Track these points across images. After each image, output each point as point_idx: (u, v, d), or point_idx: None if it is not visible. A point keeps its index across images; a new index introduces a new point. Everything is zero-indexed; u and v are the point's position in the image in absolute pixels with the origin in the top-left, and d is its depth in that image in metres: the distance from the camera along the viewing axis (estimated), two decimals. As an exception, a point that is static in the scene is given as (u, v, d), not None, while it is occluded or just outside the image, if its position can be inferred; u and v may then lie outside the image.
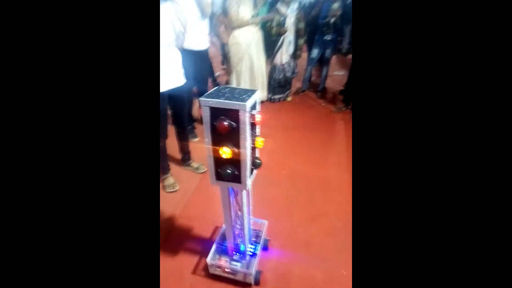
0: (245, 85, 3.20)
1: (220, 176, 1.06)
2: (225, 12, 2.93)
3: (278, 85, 3.49)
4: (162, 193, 1.98)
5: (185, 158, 2.24)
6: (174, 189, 2.00)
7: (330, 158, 2.50)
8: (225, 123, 0.92)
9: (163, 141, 1.89)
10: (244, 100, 0.92)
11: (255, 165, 1.09)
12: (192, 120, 2.66)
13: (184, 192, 2.01)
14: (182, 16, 2.16)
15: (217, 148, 0.98)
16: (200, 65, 2.43)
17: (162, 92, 1.69)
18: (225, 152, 0.96)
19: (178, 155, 2.26)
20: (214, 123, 0.95)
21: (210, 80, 3.76)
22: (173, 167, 2.18)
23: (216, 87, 1.04)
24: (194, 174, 2.20)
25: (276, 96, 3.56)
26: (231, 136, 0.96)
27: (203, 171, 2.20)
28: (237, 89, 1.03)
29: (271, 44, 3.29)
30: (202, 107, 0.93)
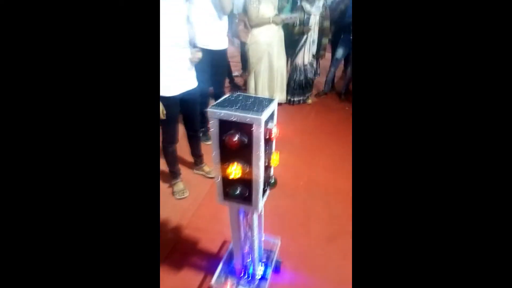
0: (263, 86, 3.05)
1: (228, 196, 0.92)
2: (245, 10, 2.79)
3: (298, 86, 3.30)
4: (171, 200, 1.89)
5: (198, 162, 2.14)
6: (183, 196, 1.90)
7: (350, 167, 2.30)
8: (235, 138, 0.78)
9: (172, 146, 1.80)
10: (258, 111, 0.78)
11: (269, 184, 0.95)
12: (206, 121, 2.55)
13: (194, 199, 1.90)
14: (195, 14, 2.07)
15: (226, 166, 0.84)
16: (217, 65, 2.32)
17: (174, 97, 1.60)
18: (234, 171, 0.82)
19: (190, 159, 2.16)
20: (223, 138, 0.81)
21: (227, 81, 3.66)
22: (184, 172, 2.08)
23: (227, 95, 0.91)
24: (205, 179, 2.09)
25: (296, 98, 3.38)
26: (242, 152, 0.82)
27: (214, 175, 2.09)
28: (251, 97, 0.89)
29: (293, 43, 3.11)
30: (209, 118, 0.80)
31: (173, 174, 1.94)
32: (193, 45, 2.19)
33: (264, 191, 0.95)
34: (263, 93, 3.08)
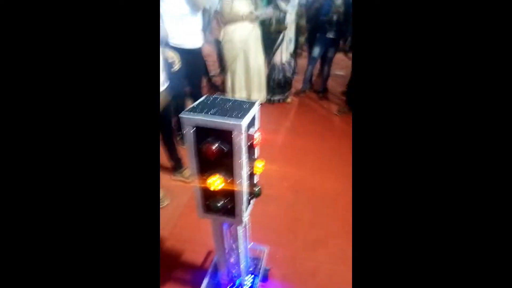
0: (240, 86, 2.97)
1: (209, 209, 0.85)
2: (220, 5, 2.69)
3: (277, 85, 3.26)
4: (149, 210, 1.76)
5: (177, 166, 2.03)
6: (163, 205, 1.79)
7: (335, 167, 2.28)
8: (214, 147, 0.71)
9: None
10: (238, 116, 0.71)
11: (254, 194, 0.88)
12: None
13: (174, 207, 1.79)
14: (166, 10, 1.94)
15: (205, 178, 0.76)
16: (193, 65, 2.21)
17: None
18: (214, 183, 0.75)
19: (167, 165, 2.04)
20: (200, 146, 0.73)
21: (205, 81, 3.54)
22: (163, 179, 1.96)
23: (203, 97, 0.83)
24: (185, 186, 1.98)
25: (276, 97, 3.34)
26: (223, 161, 0.75)
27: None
28: (230, 100, 0.82)
29: (270, 42, 3.06)
30: (184, 125, 0.72)
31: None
32: (165, 44, 2.07)
33: (248, 201, 0.88)
34: (240, 93, 3.00)
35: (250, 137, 0.76)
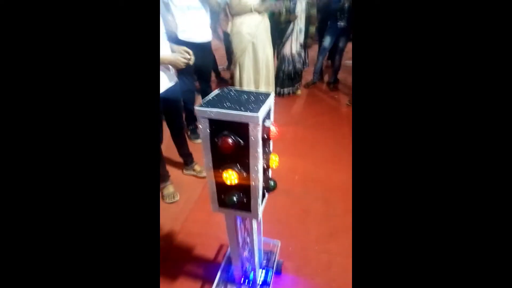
0: (248, 79, 2.92)
1: (224, 203, 0.83)
2: (228, -1, 2.64)
3: (287, 77, 3.21)
4: (162, 205, 1.78)
5: (187, 161, 2.03)
6: (174, 200, 1.79)
7: (347, 159, 2.24)
8: (230, 140, 0.69)
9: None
10: (255, 109, 0.68)
11: (268, 188, 0.86)
12: (194, 119, 2.42)
13: (185, 202, 1.80)
14: (176, 5, 1.92)
15: (220, 172, 0.75)
16: (202, 59, 2.19)
17: None
18: (230, 177, 0.73)
19: (178, 160, 2.05)
20: (216, 140, 0.71)
21: (214, 75, 3.52)
22: (174, 174, 1.97)
23: (217, 90, 0.81)
24: (196, 180, 1.99)
25: (285, 90, 3.29)
26: (238, 155, 0.73)
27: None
28: (245, 92, 0.79)
29: (280, 33, 2.99)
30: (199, 118, 0.70)
31: (162, 177, 1.82)
32: (175, 39, 2.05)
33: (263, 196, 0.86)
34: (248, 86, 2.96)
35: (265, 130, 0.73)
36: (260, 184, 0.79)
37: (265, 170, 0.82)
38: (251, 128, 0.67)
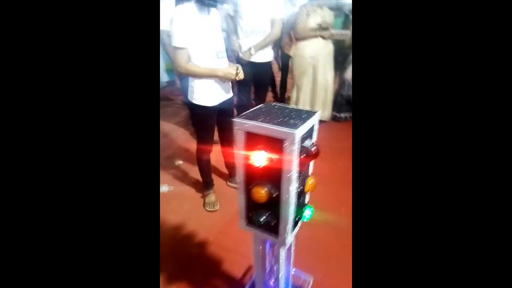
0: (304, 101, 2.89)
1: (251, 222, 0.79)
2: (293, 24, 2.70)
3: (346, 102, 3.06)
4: (201, 211, 1.82)
5: (233, 173, 2.06)
6: (214, 209, 1.82)
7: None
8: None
9: (207, 154, 1.75)
10: (294, 125, 0.64)
11: (301, 215, 0.78)
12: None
13: (224, 214, 1.80)
14: (242, 28, 2.05)
15: (250, 187, 0.71)
16: (259, 78, 2.27)
17: (212, 106, 1.56)
18: (258, 194, 0.68)
19: (224, 171, 2.09)
20: (250, 154, 0.69)
21: (271, 95, 3.58)
22: (218, 184, 2.01)
23: (263, 104, 0.79)
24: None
25: (342, 115, 3.13)
26: (271, 172, 0.69)
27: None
28: (288, 108, 0.76)
29: (343, 58, 2.91)
30: (235, 130, 0.69)
31: (206, 185, 1.87)
32: (237, 58, 2.17)
33: (296, 222, 0.78)
34: (304, 107, 2.91)
35: (304, 150, 0.68)
36: (292, 208, 0.72)
37: (300, 193, 0.75)
38: (286, 144, 0.63)
